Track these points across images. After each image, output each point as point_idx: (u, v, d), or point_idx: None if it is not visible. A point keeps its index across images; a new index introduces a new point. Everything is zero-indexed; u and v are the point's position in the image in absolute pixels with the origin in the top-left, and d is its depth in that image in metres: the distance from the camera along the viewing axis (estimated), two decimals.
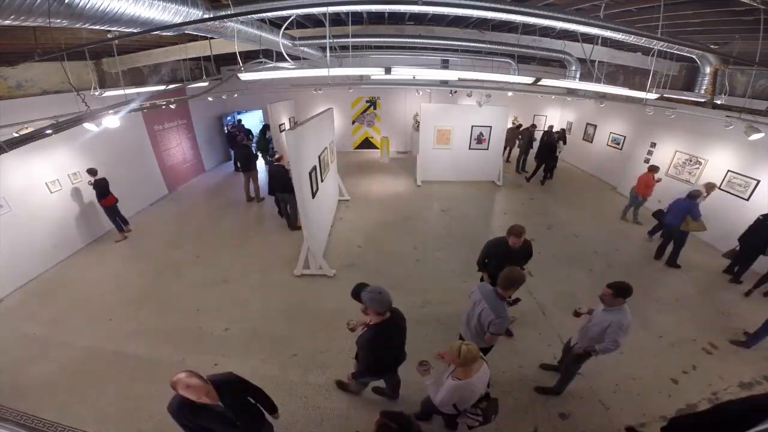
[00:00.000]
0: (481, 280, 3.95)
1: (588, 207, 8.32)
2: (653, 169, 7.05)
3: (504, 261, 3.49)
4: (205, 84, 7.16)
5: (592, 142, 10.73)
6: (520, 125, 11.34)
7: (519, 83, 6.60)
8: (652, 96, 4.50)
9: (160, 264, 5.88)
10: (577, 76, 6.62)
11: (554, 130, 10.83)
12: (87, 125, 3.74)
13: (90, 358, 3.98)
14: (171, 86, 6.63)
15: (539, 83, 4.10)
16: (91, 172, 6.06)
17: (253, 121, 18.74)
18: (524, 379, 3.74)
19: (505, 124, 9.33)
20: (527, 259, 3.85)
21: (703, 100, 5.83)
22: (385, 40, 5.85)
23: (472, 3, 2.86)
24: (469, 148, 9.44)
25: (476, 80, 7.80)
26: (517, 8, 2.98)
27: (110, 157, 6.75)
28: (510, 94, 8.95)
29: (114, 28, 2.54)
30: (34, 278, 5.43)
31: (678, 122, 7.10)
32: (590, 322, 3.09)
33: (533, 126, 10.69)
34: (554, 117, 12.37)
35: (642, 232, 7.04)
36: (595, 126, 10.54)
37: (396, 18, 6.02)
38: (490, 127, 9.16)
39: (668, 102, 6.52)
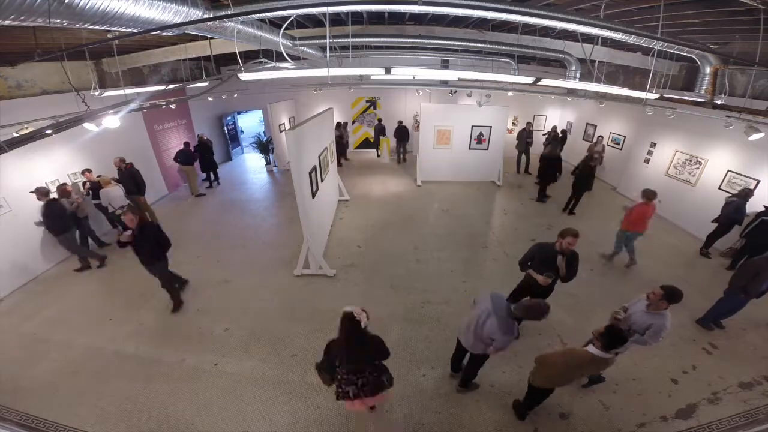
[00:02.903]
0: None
1: (588, 207, 8.31)
2: None
3: (547, 267, 3.50)
4: (205, 84, 7.17)
5: (592, 141, 10.70)
6: (554, 127, 11.20)
7: (519, 83, 6.61)
8: (652, 96, 4.50)
9: None
10: (577, 76, 6.61)
11: (545, 131, 10.65)
12: (87, 125, 3.75)
13: (90, 358, 3.98)
14: (171, 86, 6.64)
15: (539, 83, 4.10)
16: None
17: (252, 120, 18.82)
18: (524, 379, 3.68)
19: (505, 124, 9.32)
20: (568, 274, 3.55)
21: (703, 100, 5.83)
22: (385, 40, 5.84)
23: (472, 3, 2.86)
24: (469, 148, 9.44)
25: (476, 80, 7.81)
26: (517, 8, 2.98)
27: (110, 157, 6.73)
28: (510, 94, 8.96)
29: (114, 28, 2.54)
30: (34, 278, 5.44)
31: (678, 122, 7.09)
32: (630, 319, 3.07)
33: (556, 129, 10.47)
34: (554, 117, 12.35)
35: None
36: (595, 126, 10.54)
37: (396, 18, 6.02)
38: (490, 127, 9.15)
39: (668, 102, 6.52)
